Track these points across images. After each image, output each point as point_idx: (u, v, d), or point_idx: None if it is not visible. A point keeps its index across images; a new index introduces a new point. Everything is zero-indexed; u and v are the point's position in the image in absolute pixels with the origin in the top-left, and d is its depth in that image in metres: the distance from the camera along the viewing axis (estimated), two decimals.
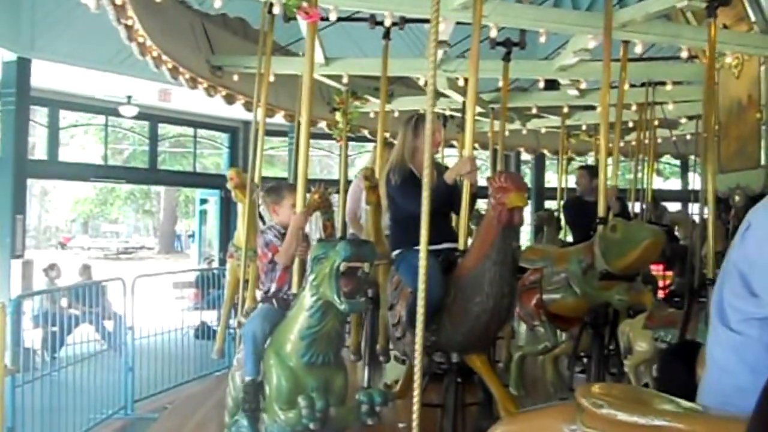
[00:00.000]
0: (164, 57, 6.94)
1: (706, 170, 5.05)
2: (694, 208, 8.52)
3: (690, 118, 9.47)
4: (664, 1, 5.42)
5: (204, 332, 10.48)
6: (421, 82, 8.38)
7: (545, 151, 12.52)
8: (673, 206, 11.10)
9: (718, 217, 7.64)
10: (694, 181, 8.48)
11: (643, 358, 5.14)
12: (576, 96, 8.62)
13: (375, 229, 5.52)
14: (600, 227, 4.75)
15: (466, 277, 3.65)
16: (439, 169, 4.13)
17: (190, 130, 16.78)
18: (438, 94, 8.50)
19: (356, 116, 8.50)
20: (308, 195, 6.23)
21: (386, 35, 6.60)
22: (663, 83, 8.19)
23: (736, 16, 6.52)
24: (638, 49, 6.53)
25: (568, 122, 9.99)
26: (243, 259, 5.53)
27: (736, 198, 6.63)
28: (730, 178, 6.82)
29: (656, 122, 8.81)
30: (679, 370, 2.40)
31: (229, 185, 6.01)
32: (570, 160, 10.53)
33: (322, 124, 9.18)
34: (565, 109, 9.69)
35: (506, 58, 6.85)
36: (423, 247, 3.10)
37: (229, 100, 8.17)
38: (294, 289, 3.69)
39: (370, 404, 3.24)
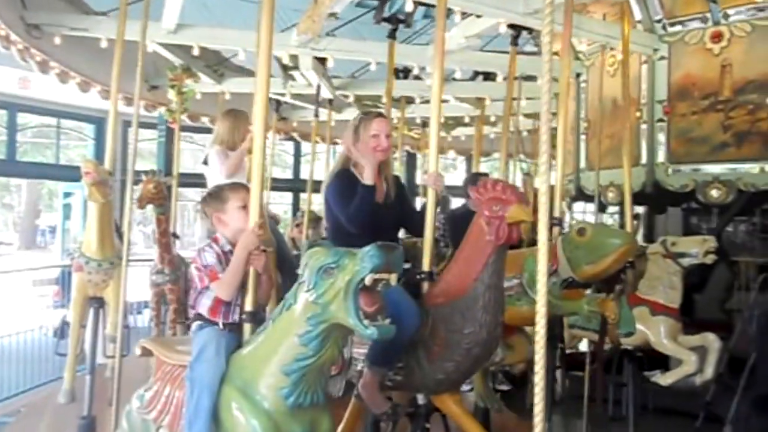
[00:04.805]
0: None
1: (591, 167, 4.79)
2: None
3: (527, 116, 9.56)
4: None
5: (64, 331, 10.05)
6: (285, 61, 7.63)
7: None
8: None
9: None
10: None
11: None
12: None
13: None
14: (556, 229, 4.38)
15: (451, 304, 3.10)
16: (398, 181, 3.74)
17: (53, 120, 15.94)
18: (288, 77, 8.02)
19: (191, 96, 7.92)
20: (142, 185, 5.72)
21: None
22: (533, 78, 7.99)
23: (618, 13, 6.23)
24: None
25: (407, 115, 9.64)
26: (123, 271, 4.59)
27: (609, 195, 6.68)
28: (602, 176, 6.72)
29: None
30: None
31: (86, 181, 4.70)
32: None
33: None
34: (418, 101, 9.31)
35: (392, 35, 6.29)
36: (542, 266, 2.39)
37: (43, 67, 7.03)
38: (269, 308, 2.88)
39: None
